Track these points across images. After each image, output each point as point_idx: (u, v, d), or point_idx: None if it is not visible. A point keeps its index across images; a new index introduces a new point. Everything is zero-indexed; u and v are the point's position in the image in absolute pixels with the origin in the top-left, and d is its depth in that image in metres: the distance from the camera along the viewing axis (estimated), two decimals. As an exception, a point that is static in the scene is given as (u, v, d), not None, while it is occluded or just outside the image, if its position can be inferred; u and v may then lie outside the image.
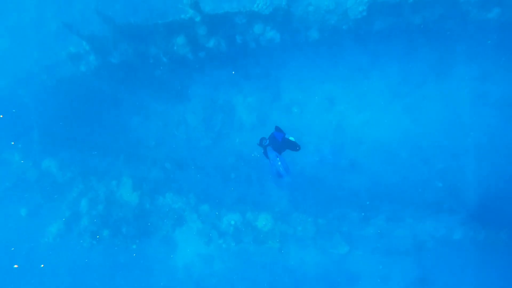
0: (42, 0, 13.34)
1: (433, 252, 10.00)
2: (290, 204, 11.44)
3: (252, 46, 10.79)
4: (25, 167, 12.04)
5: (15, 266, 12.82)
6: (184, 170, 12.31)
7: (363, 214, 10.43)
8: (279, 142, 7.77)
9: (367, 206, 10.75)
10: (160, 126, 12.83)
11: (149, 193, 11.76)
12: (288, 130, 11.70)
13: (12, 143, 12.24)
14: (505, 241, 9.42)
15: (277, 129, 8.02)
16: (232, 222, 11.14)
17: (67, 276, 12.81)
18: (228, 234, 11.21)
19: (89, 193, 12.06)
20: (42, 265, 12.87)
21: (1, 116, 12.14)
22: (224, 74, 12.05)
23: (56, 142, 12.59)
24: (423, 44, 10.28)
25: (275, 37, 10.46)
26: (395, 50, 10.60)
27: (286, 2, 9.66)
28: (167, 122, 12.77)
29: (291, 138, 7.88)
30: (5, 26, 13.69)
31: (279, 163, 7.91)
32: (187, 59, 11.11)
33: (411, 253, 10.16)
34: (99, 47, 11.14)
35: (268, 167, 8.43)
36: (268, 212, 11.02)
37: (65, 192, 12.22)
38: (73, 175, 12.30)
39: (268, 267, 11.93)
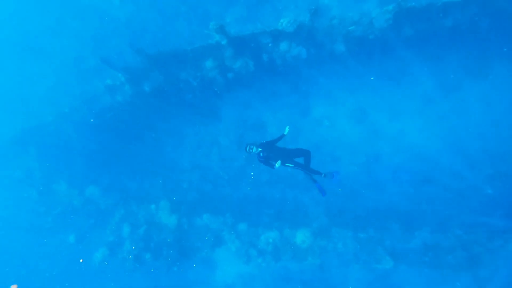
0: (82, 39, 14.33)
1: (489, 265, 9.27)
2: (328, 219, 11.18)
3: (278, 63, 10.91)
4: (72, 195, 12.68)
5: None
6: (219, 191, 12.46)
7: (405, 226, 9.95)
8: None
9: (409, 218, 10.29)
10: (194, 149, 13.14)
11: (186, 215, 11.96)
12: (317, 143, 11.71)
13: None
14: None
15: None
16: (270, 240, 11.04)
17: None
18: (267, 252, 11.10)
19: (130, 218, 12.47)
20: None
21: None
22: (253, 93, 12.21)
23: (97, 170, 13.25)
24: (456, 46, 9.93)
25: (301, 53, 10.51)
26: (426, 55, 10.30)
27: (310, 17, 9.74)
28: (200, 144, 13.06)
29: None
30: (50, 67, 14.81)
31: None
32: (216, 81, 11.42)
33: (463, 266, 9.49)
34: (133, 77, 11.72)
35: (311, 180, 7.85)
36: (306, 228, 10.85)
37: (108, 218, 12.69)
38: (114, 201, 12.83)
39: (310, 284, 11.62)
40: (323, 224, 11.03)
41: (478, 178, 10.01)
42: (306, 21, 9.79)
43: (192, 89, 11.93)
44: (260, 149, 7.08)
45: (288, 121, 12.11)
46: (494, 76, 9.99)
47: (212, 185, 12.77)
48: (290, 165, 7.32)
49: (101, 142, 13.06)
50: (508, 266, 9.12)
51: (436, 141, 10.46)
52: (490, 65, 9.94)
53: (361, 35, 9.72)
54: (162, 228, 12.03)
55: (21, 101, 14.98)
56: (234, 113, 12.61)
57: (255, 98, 12.35)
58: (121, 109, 12.26)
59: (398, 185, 10.79)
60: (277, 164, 6.90)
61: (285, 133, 7.41)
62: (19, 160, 13.14)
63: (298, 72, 11.35)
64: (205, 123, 12.92)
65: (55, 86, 14.43)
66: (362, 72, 11.03)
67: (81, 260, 13.17)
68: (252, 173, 12.57)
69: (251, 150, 7.02)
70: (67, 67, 14.45)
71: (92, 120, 12.34)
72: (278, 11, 11.53)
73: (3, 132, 13.32)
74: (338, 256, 10.66)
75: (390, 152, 11.04)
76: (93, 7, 14.39)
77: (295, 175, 12.07)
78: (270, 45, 10.55)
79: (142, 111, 12.57)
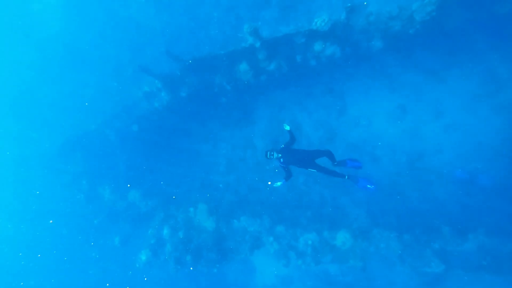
0: (120, 49, 14.99)
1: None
2: (369, 220, 10.87)
3: (313, 64, 10.76)
4: (115, 200, 13.23)
5: None
6: (256, 193, 12.51)
7: (457, 228, 9.40)
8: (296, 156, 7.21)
9: (460, 219, 9.72)
10: (229, 151, 13.28)
11: (224, 218, 12.06)
12: (355, 142, 11.42)
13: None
14: None
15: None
16: (310, 242, 10.86)
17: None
18: (306, 254, 10.93)
19: (169, 221, 12.79)
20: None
21: None
22: (287, 95, 12.15)
23: (138, 174, 13.75)
24: (508, 36, 9.16)
25: (335, 52, 10.29)
26: (475, 47, 9.65)
27: (345, 15, 9.52)
28: (235, 147, 13.18)
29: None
30: (92, 76, 15.62)
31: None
32: (250, 84, 11.46)
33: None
34: (169, 83, 12.04)
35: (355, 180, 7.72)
36: (346, 229, 10.55)
37: (149, 221, 13.10)
38: (154, 204, 13.20)
39: (352, 287, 11.36)
40: (364, 225, 10.72)
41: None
42: (342, 19, 9.56)
43: (226, 93, 12.06)
44: (280, 155, 7.19)
45: (326, 122, 11.96)
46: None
47: (249, 187, 12.83)
48: (313, 170, 7.33)
49: (140, 148, 13.55)
50: None
51: (486, 138, 9.84)
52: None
53: (400, 30, 9.34)
54: (201, 231, 12.22)
55: (67, 111, 15.91)
56: (268, 115, 12.61)
57: (290, 100, 12.29)
58: (159, 114, 12.63)
59: (445, 185, 10.24)
60: (277, 184, 7.29)
61: (288, 129, 7.48)
62: (67, 166, 13.91)
63: (333, 71, 11.16)
64: (240, 126, 13.04)
65: (97, 95, 15.20)
66: (402, 68, 10.63)
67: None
68: (269, 182, 12.56)
69: (271, 156, 7.18)
70: (108, 76, 15.18)
71: (135, 127, 12.78)
72: (312, 11, 11.42)
73: (53, 140, 14.21)
74: (381, 258, 10.29)
75: (434, 151, 10.54)
76: (130, 18, 15.03)
77: (334, 179, 11.86)
78: (303, 45, 10.44)
79: (179, 116, 12.88)
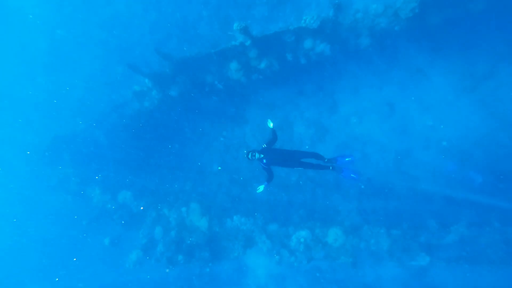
0: (108, 49, 14.81)
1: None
2: (360, 217, 11.04)
3: (303, 62, 10.86)
4: (105, 200, 13.07)
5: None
6: (248, 192, 12.52)
7: (441, 221, 9.64)
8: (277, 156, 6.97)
9: (444, 213, 9.97)
10: (221, 151, 13.26)
11: (217, 217, 12.05)
12: (345, 140, 11.58)
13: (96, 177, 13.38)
14: None
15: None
16: (302, 240, 10.94)
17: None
18: (298, 252, 11.02)
19: (161, 221, 12.70)
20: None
21: None
22: (279, 93, 12.21)
23: (128, 174, 13.61)
24: (488, 31, 9.48)
25: (325, 50, 10.41)
26: (456, 43, 9.99)
27: (333, 13, 9.64)
28: (228, 146, 13.17)
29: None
30: (80, 77, 15.39)
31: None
32: (241, 83, 11.48)
33: (506, 261, 9.10)
34: (159, 82, 11.96)
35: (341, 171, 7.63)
36: (338, 226, 10.69)
37: (140, 221, 12.98)
38: (146, 204, 13.08)
39: (343, 283, 11.50)
40: (355, 222, 10.87)
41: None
42: (330, 16, 9.68)
43: (218, 92, 12.06)
44: (262, 155, 6.89)
45: (317, 120, 12.06)
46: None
47: (241, 186, 12.84)
48: (300, 168, 7.22)
49: (131, 148, 13.43)
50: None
51: (470, 131, 10.10)
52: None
53: (386, 27, 9.52)
54: (194, 230, 12.17)
55: (54, 111, 15.64)
56: (260, 113, 12.65)
57: (281, 98, 12.35)
58: (149, 114, 12.54)
59: (430, 180, 10.48)
60: (260, 189, 7.02)
61: (271, 127, 7.27)
62: (54, 167, 13.67)
63: (323, 69, 11.28)
64: (232, 126, 13.04)
65: (85, 95, 14.99)
66: (389, 65, 10.84)
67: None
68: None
69: (253, 157, 6.83)
70: (96, 76, 14.99)
71: (124, 120, 12.62)
72: (301, 9, 11.51)
73: (39, 140, 13.94)
74: (371, 254, 10.46)
75: (421, 147, 10.76)
76: (117, 17, 14.87)
77: (323, 174, 11.98)
78: (293, 43, 10.52)
79: (170, 116, 12.81)
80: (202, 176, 13.34)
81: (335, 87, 11.81)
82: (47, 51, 16.29)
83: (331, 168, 7.37)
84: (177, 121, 13.03)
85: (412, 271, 10.57)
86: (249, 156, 6.84)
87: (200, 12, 13.54)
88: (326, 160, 7.43)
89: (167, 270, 11.58)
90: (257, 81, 11.40)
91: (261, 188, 7.07)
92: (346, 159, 7.54)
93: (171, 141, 13.60)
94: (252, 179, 12.67)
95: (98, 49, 15.09)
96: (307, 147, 11.99)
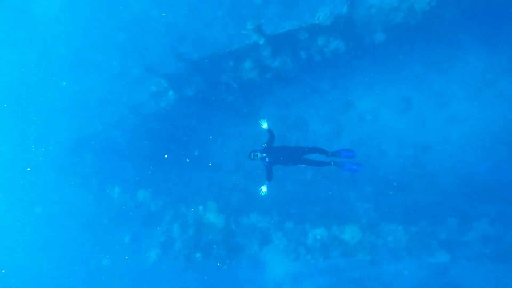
0: (125, 51, 15.17)
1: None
2: (377, 214, 10.93)
3: (317, 59, 10.83)
4: (124, 199, 13.39)
5: None
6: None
7: (461, 218, 9.45)
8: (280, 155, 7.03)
9: (465, 210, 9.76)
10: (237, 150, 13.36)
11: (233, 215, 12.15)
12: (361, 137, 11.49)
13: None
14: None
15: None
16: (318, 237, 10.94)
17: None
18: (315, 249, 11.01)
19: (179, 219, 12.92)
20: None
21: None
22: (293, 92, 12.22)
23: (146, 174, 13.91)
24: (509, 22, 9.15)
25: (339, 46, 10.35)
26: (475, 36, 9.71)
27: (347, 9, 9.58)
28: (243, 145, 13.26)
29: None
30: (98, 78, 15.82)
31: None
32: (255, 82, 11.54)
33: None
34: (175, 82, 12.17)
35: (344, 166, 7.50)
36: (354, 224, 10.62)
37: (159, 219, 13.25)
38: (164, 203, 13.33)
39: (361, 281, 11.42)
40: (372, 219, 10.78)
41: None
42: (343, 12, 9.62)
43: (233, 91, 12.16)
44: (264, 154, 6.95)
45: (332, 118, 12.01)
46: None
47: (257, 185, 12.89)
48: (303, 165, 7.22)
49: (148, 147, 13.71)
50: None
51: (491, 127, 9.84)
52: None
53: (401, 22, 9.38)
54: (211, 228, 12.33)
55: (75, 113, 16.14)
56: (275, 112, 12.67)
57: (295, 96, 12.35)
58: (166, 114, 12.77)
59: (450, 176, 10.27)
60: (262, 192, 7.13)
61: (266, 128, 7.34)
62: (76, 167, 14.10)
63: (337, 66, 11.20)
64: (246, 124, 13.11)
65: (104, 96, 15.39)
66: (405, 61, 10.67)
67: None
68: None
69: (255, 157, 6.88)
70: (113, 77, 15.37)
71: (141, 121, 12.91)
72: (314, 6, 11.48)
73: (61, 141, 14.43)
74: (389, 251, 10.35)
75: (440, 142, 10.56)
76: (134, 19, 15.20)
77: (338, 172, 11.92)
78: (307, 41, 10.50)
79: (186, 116, 13.01)
80: (218, 175, 13.48)
81: (349, 84, 11.71)
82: (68, 54, 16.84)
83: (332, 163, 7.34)
84: (193, 121, 13.21)
85: (432, 269, 10.40)
86: (251, 156, 6.89)
87: (214, 12, 13.70)
88: (329, 154, 7.39)
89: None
90: (271, 80, 11.44)
91: (264, 188, 7.16)
92: (349, 154, 7.48)
93: (187, 140, 13.79)
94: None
95: (116, 51, 15.48)
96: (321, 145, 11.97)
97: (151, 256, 12.63)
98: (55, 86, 17.13)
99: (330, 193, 11.80)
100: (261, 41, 10.53)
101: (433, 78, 10.54)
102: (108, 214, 13.74)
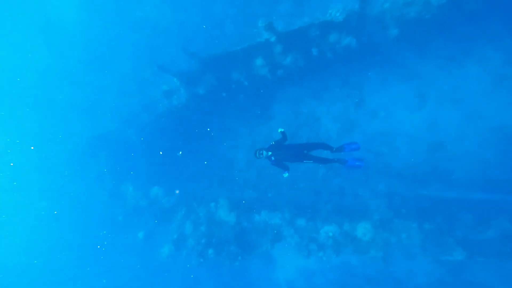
0: (138, 51, 15.38)
1: None
2: (390, 211, 10.81)
3: (329, 56, 10.79)
4: (138, 196, 13.59)
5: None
6: (276, 187, 12.61)
7: (479, 216, 9.25)
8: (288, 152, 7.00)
9: (483, 207, 9.55)
10: (248, 147, 13.41)
11: (245, 212, 12.21)
12: (373, 134, 11.38)
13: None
14: None
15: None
16: (330, 234, 10.91)
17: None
18: (327, 246, 10.98)
19: (191, 216, 13.04)
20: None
21: None
22: (304, 89, 12.19)
23: (159, 172, 14.09)
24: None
25: (351, 43, 10.31)
26: (495, 28, 9.45)
27: (359, 4, 9.51)
28: (254, 142, 13.30)
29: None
30: (111, 78, 16.08)
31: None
32: (266, 79, 11.57)
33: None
34: (187, 81, 12.28)
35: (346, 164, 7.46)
36: (367, 220, 10.55)
37: (172, 216, 13.40)
38: (177, 200, 13.48)
39: (373, 278, 11.34)
40: (385, 216, 10.68)
41: None
42: (356, 8, 9.55)
43: (244, 89, 12.21)
44: (270, 153, 6.91)
45: (344, 114, 11.94)
46: None
47: (269, 182, 12.94)
48: (309, 161, 7.14)
49: (160, 145, 13.88)
50: None
51: (509, 123, 9.61)
52: None
53: (416, 16, 9.26)
54: (223, 225, 12.41)
55: (90, 112, 16.46)
56: (286, 110, 12.68)
57: (307, 93, 12.32)
58: (178, 112, 12.90)
59: (467, 173, 10.08)
60: (285, 175, 7.14)
61: (281, 131, 7.25)
62: (91, 165, 14.38)
63: (349, 63, 11.14)
64: (258, 122, 13.15)
65: (117, 95, 15.65)
66: (419, 56, 10.51)
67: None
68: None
69: (261, 156, 6.86)
70: (126, 77, 15.61)
71: (154, 119, 13.06)
72: (326, 3, 11.40)
73: (77, 140, 14.72)
74: (402, 248, 10.24)
75: (455, 139, 10.38)
76: (147, 19, 15.40)
77: (345, 169, 11.83)
78: (319, 37, 10.46)
79: (197, 113, 13.11)
80: (230, 172, 13.56)
81: (362, 80, 11.62)
82: (84, 54, 17.19)
83: (336, 160, 7.34)
84: (204, 118, 13.31)
85: (448, 266, 10.25)
86: (257, 154, 6.88)
87: (226, 10, 13.77)
88: (334, 150, 7.34)
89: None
90: (283, 77, 11.44)
91: (286, 174, 7.24)
92: (353, 147, 7.41)
93: (198, 138, 13.90)
94: (278, 174, 12.73)
95: (129, 50, 15.72)
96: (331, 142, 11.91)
97: (164, 252, 12.78)
98: (71, 85, 17.49)
99: (341, 190, 11.74)
100: (273, 39, 10.56)
101: (448, 73, 10.36)
102: (122, 210, 13.93)
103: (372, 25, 9.91)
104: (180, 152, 13.23)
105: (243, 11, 13.29)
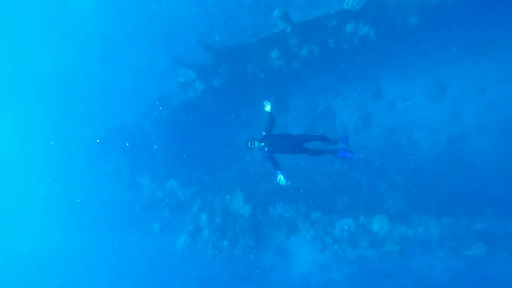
0: (155, 44, 15.52)
1: None
2: (407, 204, 10.62)
3: (345, 47, 10.58)
4: (154, 188, 13.76)
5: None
6: (292, 180, 12.52)
7: (501, 210, 8.96)
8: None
9: (506, 201, 9.25)
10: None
11: (260, 205, 12.18)
12: (391, 126, 11.15)
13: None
14: None
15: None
16: (346, 227, 10.77)
17: (195, 283, 14.06)
18: (342, 240, 10.87)
19: (207, 208, 13.12)
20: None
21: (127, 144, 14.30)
22: (320, 80, 12.03)
23: (175, 164, 14.21)
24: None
25: (369, 33, 10.06)
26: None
27: (377, -8, 9.27)
28: (270, 135, 13.21)
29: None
30: (129, 71, 16.29)
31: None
32: (282, 71, 11.45)
33: None
34: (203, 73, 12.28)
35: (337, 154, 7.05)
36: (383, 214, 10.37)
37: (187, 208, 13.51)
38: (192, 192, 13.56)
39: (390, 272, 11.18)
40: (402, 209, 10.49)
41: None
42: (374, -3, 9.31)
43: (260, 81, 12.14)
44: (263, 143, 6.38)
45: (361, 106, 11.74)
46: None
47: (284, 174, 12.85)
48: (304, 154, 6.67)
49: (176, 137, 13.98)
50: None
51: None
52: None
53: (438, 2, 8.93)
54: (238, 217, 12.44)
55: (107, 104, 16.74)
56: (302, 101, 12.55)
57: (323, 85, 12.16)
58: (194, 105, 12.94)
59: (489, 165, 9.77)
60: (282, 181, 6.38)
61: (269, 110, 6.60)
62: (108, 157, 14.63)
63: (367, 54, 10.89)
64: (274, 114, 13.07)
65: (134, 88, 15.85)
66: (440, 44, 10.19)
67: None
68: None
69: (253, 146, 6.31)
70: (143, 70, 15.78)
71: (170, 111, 13.14)
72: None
73: (94, 132, 15.00)
74: (420, 242, 10.04)
75: (477, 131, 10.06)
76: (163, 12, 15.49)
77: (366, 162, 11.67)
78: (335, 28, 10.25)
79: (213, 106, 13.13)
80: (245, 165, 13.55)
81: (380, 71, 11.38)
82: (102, 47, 17.47)
83: (328, 151, 6.97)
84: (219, 111, 13.32)
85: (468, 261, 9.99)
86: (249, 144, 6.36)
87: (241, 1, 13.68)
88: (332, 142, 7.12)
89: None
90: (299, 69, 11.29)
91: (281, 178, 6.47)
92: (344, 138, 7.15)
93: (214, 130, 13.94)
94: (294, 167, 12.66)
95: (146, 43, 15.88)
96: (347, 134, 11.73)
97: (180, 243, 12.92)
98: (88, 78, 17.82)
99: (358, 182, 11.58)
100: (288, 30, 10.40)
101: (471, 62, 10.01)
102: (139, 202, 14.13)
103: (391, 13, 9.63)
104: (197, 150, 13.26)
105: (258, 2, 13.18)
